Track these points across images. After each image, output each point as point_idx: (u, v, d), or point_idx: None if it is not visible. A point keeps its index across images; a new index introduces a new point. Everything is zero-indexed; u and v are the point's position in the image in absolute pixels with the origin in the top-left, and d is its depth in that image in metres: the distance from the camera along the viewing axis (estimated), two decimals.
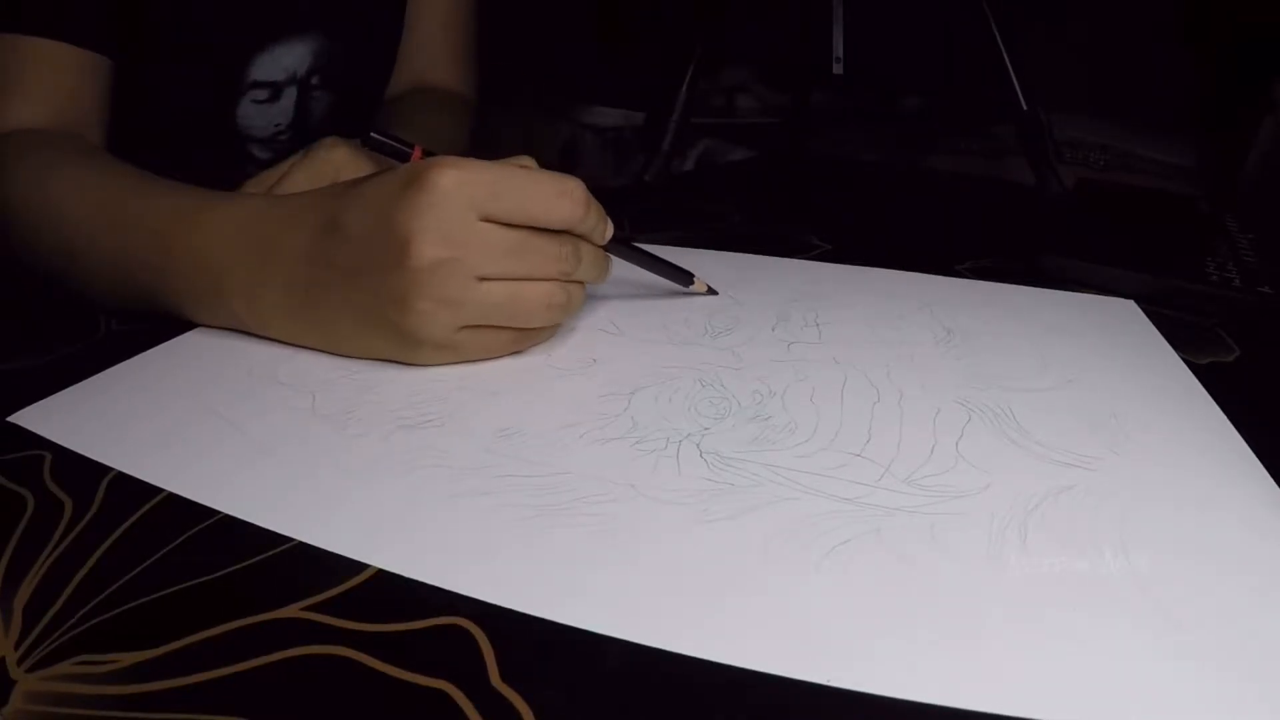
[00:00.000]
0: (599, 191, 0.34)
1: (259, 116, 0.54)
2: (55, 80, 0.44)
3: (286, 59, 0.53)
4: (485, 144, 0.54)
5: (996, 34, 0.68)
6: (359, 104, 0.60)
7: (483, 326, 0.32)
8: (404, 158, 0.32)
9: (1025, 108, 0.69)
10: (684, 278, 0.40)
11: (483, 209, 0.30)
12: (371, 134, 0.32)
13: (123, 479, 0.27)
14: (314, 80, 0.55)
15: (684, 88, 0.73)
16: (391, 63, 0.62)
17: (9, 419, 0.30)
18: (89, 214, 0.38)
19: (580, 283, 0.34)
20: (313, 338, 0.35)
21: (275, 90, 0.54)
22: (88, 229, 0.38)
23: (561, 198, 0.31)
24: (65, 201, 0.39)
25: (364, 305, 0.32)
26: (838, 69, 0.72)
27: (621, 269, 0.38)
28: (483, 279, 0.31)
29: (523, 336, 0.34)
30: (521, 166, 0.32)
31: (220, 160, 0.54)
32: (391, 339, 0.32)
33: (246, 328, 0.35)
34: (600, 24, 1.09)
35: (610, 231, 0.34)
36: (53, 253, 0.39)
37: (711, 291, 0.42)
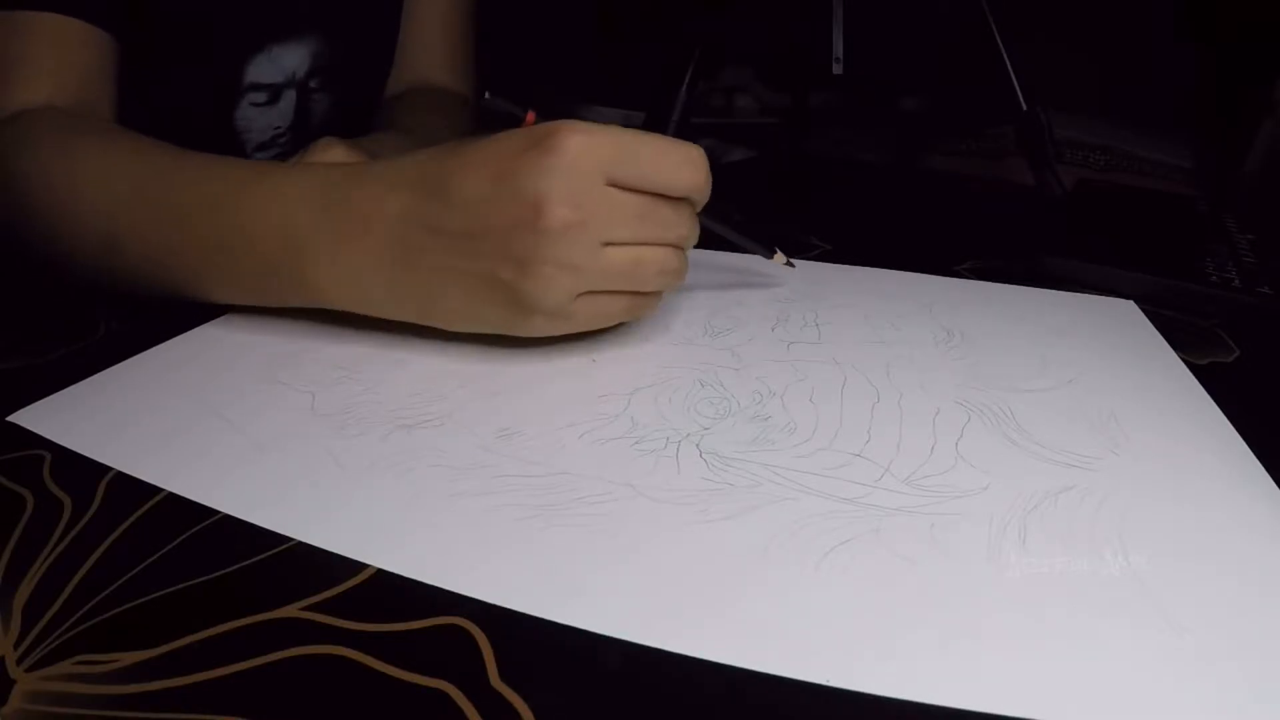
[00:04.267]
0: None
1: (258, 119, 0.54)
2: (66, 57, 0.43)
3: (285, 61, 0.53)
4: None
5: (996, 34, 0.68)
6: (359, 106, 0.60)
7: (599, 293, 0.32)
8: (517, 121, 0.32)
9: (1025, 108, 0.69)
10: (767, 249, 0.39)
11: (610, 173, 0.29)
12: (487, 94, 0.32)
13: (122, 479, 0.27)
14: (313, 83, 0.55)
15: (684, 88, 0.73)
16: (390, 64, 0.62)
17: (9, 419, 0.30)
18: (126, 191, 0.36)
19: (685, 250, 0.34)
20: (410, 308, 0.33)
21: (274, 93, 0.54)
22: (126, 207, 0.36)
23: (686, 165, 0.31)
24: (99, 179, 0.37)
25: (475, 270, 0.30)
26: (838, 69, 0.72)
27: None
28: (607, 244, 0.30)
29: (636, 304, 0.33)
30: (644, 132, 0.31)
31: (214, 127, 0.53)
32: (503, 306, 0.31)
33: (329, 302, 0.34)
34: (600, 24, 1.09)
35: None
36: (80, 235, 0.37)
37: (789, 264, 0.40)
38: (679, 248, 0.33)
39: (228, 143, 0.53)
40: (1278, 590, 0.23)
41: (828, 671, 0.20)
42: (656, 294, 0.34)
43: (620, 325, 0.38)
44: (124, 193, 0.36)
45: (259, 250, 0.33)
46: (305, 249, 0.32)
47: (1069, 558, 0.23)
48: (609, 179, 0.29)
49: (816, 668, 0.20)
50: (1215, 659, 0.20)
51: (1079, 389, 0.33)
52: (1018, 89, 0.68)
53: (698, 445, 0.29)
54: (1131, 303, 0.43)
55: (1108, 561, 0.23)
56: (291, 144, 0.56)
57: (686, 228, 0.32)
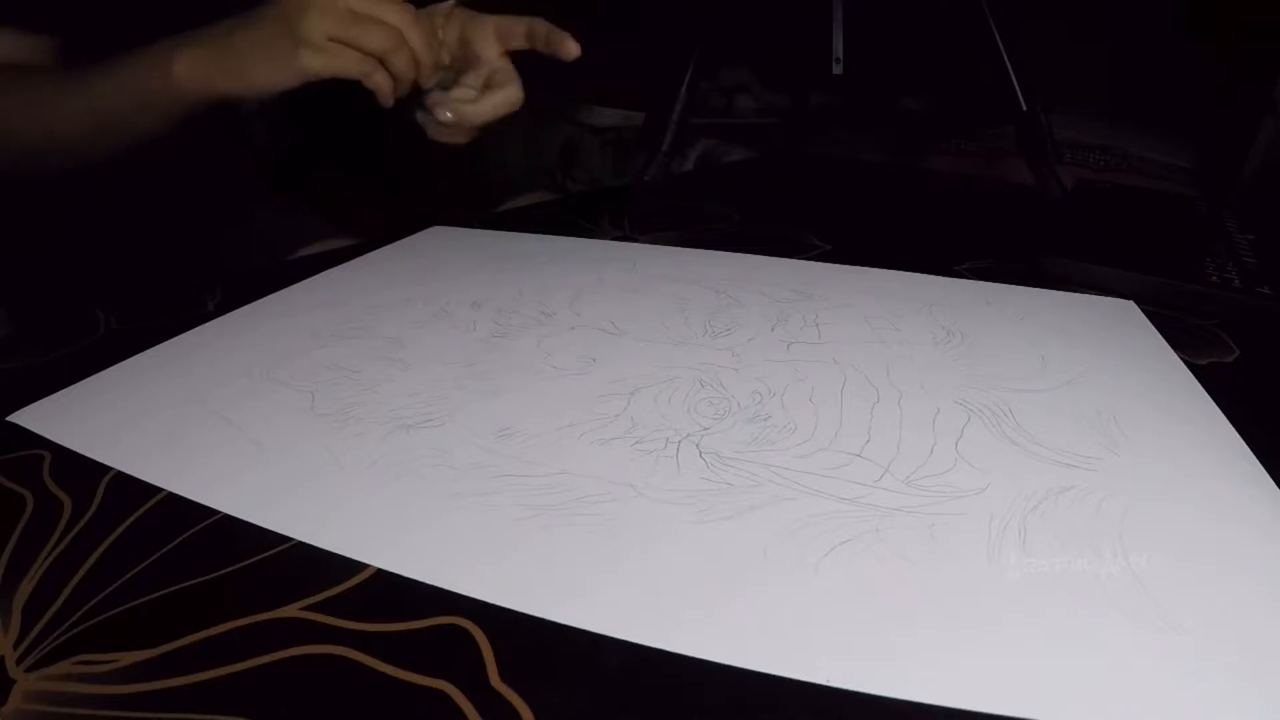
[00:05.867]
0: (599, 191, 0.34)
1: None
2: None
3: None
4: (485, 144, 0.54)
5: (996, 34, 0.68)
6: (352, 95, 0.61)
7: (344, 44, 0.43)
8: None
9: (1025, 108, 0.69)
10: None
11: None
12: None
13: (122, 479, 0.27)
14: None
15: (684, 88, 0.73)
16: None
17: (9, 419, 0.30)
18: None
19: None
20: (218, 69, 0.44)
21: None
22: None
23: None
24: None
25: (269, 24, 0.43)
26: (838, 69, 0.72)
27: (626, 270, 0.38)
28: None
29: (366, 62, 0.44)
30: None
31: (214, 126, 0.55)
32: (281, 40, 0.43)
33: (170, 76, 0.43)
34: (600, 24, 1.09)
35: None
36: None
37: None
38: (387, 32, 0.44)
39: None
40: (1278, 590, 0.23)
41: (828, 671, 0.20)
42: (378, 66, 0.44)
43: (619, 326, 0.38)
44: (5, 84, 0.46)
45: (133, 83, 0.44)
46: (168, 63, 0.43)
47: (1069, 558, 0.23)
48: None
49: (815, 668, 0.20)
50: (1215, 659, 0.20)
51: (1079, 389, 0.33)
52: (1018, 89, 0.68)
53: (698, 445, 0.29)
54: (1131, 303, 0.43)
55: (1107, 561, 0.23)
56: (284, 111, 0.57)
57: (402, 14, 0.44)
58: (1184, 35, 0.82)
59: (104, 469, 0.27)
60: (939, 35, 0.83)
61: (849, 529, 0.24)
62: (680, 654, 0.20)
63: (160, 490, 0.26)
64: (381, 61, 0.45)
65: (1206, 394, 0.33)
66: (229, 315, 0.39)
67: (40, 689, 0.19)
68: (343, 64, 0.44)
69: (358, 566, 0.23)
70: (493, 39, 0.52)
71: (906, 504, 0.26)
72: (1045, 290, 0.45)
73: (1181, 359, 0.37)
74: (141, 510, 0.25)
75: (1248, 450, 0.29)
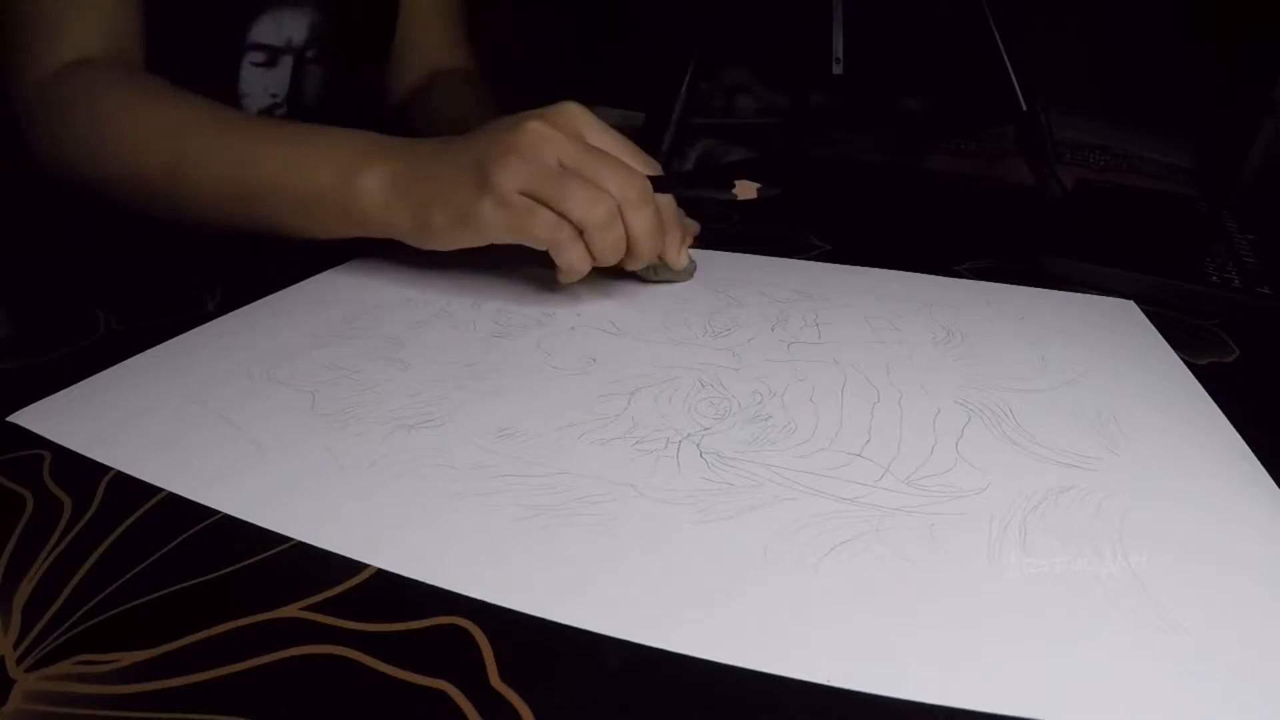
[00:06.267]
0: None
1: (257, 81, 0.55)
2: (108, 13, 0.46)
3: (285, 25, 0.54)
4: None
5: (996, 34, 0.68)
6: (353, 81, 0.61)
7: (537, 201, 0.36)
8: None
9: (1025, 108, 0.69)
10: (724, 187, 0.40)
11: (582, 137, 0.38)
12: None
13: (122, 479, 0.27)
14: (309, 53, 0.56)
15: (684, 88, 0.73)
16: (385, 45, 0.63)
17: (9, 419, 0.30)
18: (193, 116, 0.43)
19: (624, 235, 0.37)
20: (408, 211, 0.38)
21: (272, 55, 0.54)
22: (194, 128, 0.42)
23: (636, 156, 0.39)
24: (168, 105, 0.43)
25: (463, 162, 0.37)
26: (838, 69, 0.72)
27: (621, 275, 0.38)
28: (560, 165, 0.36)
29: (556, 229, 0.36)
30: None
31: None
32: (471, 186, 0.36)
33: (360, 219, 0.40)
34: (600, 24, 1.09)
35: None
36: (147, 160, 0.42)
37: (769, 190, 0.40)
38: (611, 200, 0.36)
39: (228, 103, 0.54)
40: (1278, 590, 0.23)
41: (828, 671, 0.20)
42: (575, 237, 0.37)
43: (619, 326, 0.38)
44: (190, 117, 0.43)
45: (313, 173, 0.40)
46: (353, 168, 0.39)
47: (1069, 557, 0.23)
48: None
49: (815, 668, 0.20)
50: (1215, 659, 0.20)
51: (1079, 389, 0.33)
52: (1018, 89, 0.68)
53: (698, 445, 0.29)
54: (1131, 303, 0.43)
55: (1107, 561, 0.23)
56: (287, 116, 0.57)
57: (629, 186, 0.36)
58: (1184, 35, 0.82)
59: (104, 469, 0.27)
60: (939, 35, 0.83)
61: (849, 529, 0.24)
62: (680, 654, 0.20)
63: (160, 490, 0.26)
64: (582, 233, 0.36)
65: (1206, 394, 0.33)
66: (229, 315, 0.39)
67: (40, 689, 0.19)
68: (527, 226, 0.36)
69: (358, 566, 0.23)
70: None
71: (907, 504, 0.26)
72: (1045, 290, 0.45)
73: (1181, 359, 0.37)
74: (141, 510, 0.25)
75: (1248, 450, 0.29)
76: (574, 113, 0.38)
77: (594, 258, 0.37)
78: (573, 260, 0.37)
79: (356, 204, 0.39)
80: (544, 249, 0.37)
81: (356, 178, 0.39)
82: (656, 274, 0.43)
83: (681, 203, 0.42)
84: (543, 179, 0.36)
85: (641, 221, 0.37)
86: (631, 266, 0.39)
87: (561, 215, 0.36)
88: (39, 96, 0.45)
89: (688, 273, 0.44)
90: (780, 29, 0.89)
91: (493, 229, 0.36)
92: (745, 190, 0.39)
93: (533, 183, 0.36)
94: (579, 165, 0.36)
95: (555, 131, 0.36)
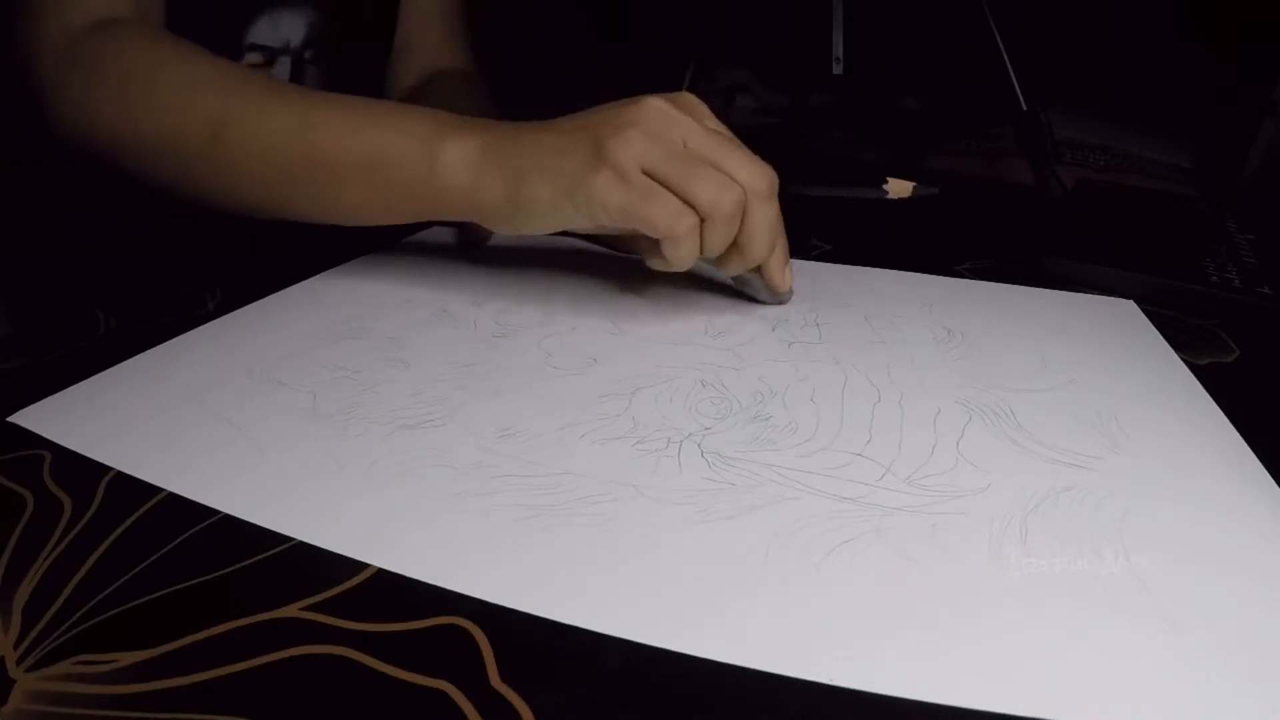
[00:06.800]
0: None
1: None
2: None
3: (283, 25, 0.54)
4: None
5: (996, 34, 0.68)
6: (351, 82, 0.61)
7: (658, 183, 0.33)
8: None
9: (1025, 108, 0.69)
10: (875, 185, 0.38)
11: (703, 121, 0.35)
12: None
13: (122, 479, 0.27)
14: (307, 54, 0.56)
15: (684, 88, 0.73)
16: (384, 45, 0.63)
17: (9, 419, 0.30)
18: (238, 78, 0.39)
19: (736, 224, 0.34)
20: (503, 183, 0.35)
21: (270, 56, 0.54)
22: (240, 86, 0.38)
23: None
24: (210, 66, 0.40)
25: (572, 136, 0.34)
26: (838, 69, 0.72)
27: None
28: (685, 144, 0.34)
29: (677, 216, 0.33)
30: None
31: None
32: (583, 157, 0.33)
33: (438, 188, 0.36)
34: (600, 24, 1.09)
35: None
36: (188, 119, 0.38)
37: (926, 189, 0.38)
38: (740, 190, 0.33)
39: None
40: (1278, 590, 0.23)
41: (828, 671, 0.20)
42: (696, 229, 0.34)
43: (620, 326, 0.38)
44: (239, 75, 0.39)
45: (386, 141, 0.37)
46: (435, 136, 0.36)
47: (1069, 557, 0.23)
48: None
49: (817, 668, 0.20)
50: (1215, 659, 0.20)
51: (1079, 389, 0.33)
52: (1018, 89, 0.68)
53: (699, 445, 0.29)
54: (1131, 303, 0.43)
55: (1108, 561, 0.23)
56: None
57: (760, 177, 0.34)
58: (1184, 35, 0.82)
59: (104, 469, 0.27)
60: (939, 35, 0.83)
61: (850, 528, 0.24)
62: (681, 654, 0.20)
63: (160, 490, 0.26)
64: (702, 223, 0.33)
65: (1206, 394, 0.33)
66: (229, 315, 0.39)
67: (40, 689, 0.19)
68: (644, 210, 0.33)
69: (358, 566, 0.23)
70: None
71: (908, 503, 0.26)
72: (1045, 290, 0.45)
73: (1181, 359, 0.37)
74: (141, 510, 0.25)
75: (1248, 450, 0.29)
76: (694, 99, 0.35)
77: (702, 250, 0.34)
78: (685, 254, 0.34)
79: (438, 174, 0.36)
80: (657, 236, 0.33)
81: (440, 146, 0.36)
82: (756, 292, 0.40)
83: (820, 203, 0.41)
84: (669, 158, 0.33)
85: (764, 218, 0.34)
86: (733, 270, 0.37)
87: (685, 201, 0.33)
88: (65, 54, 0.41)
89: (786, 295, 0.41)
90: (780, 29, 0.89)
91: (605, 206, 0.33)
92: (899, 189, 0.37)
93: (658, 160, 0.33)
94: (707, 149, 0.33)
95: (680, 112, 0.34)
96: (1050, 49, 0.78)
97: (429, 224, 0.55)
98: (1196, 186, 0.76)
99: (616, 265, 0.46)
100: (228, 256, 0.45)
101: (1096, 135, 0.84)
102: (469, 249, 0.49)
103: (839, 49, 0.71)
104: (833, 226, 0.55)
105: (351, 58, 0.60)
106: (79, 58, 0.41)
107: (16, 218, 0.56)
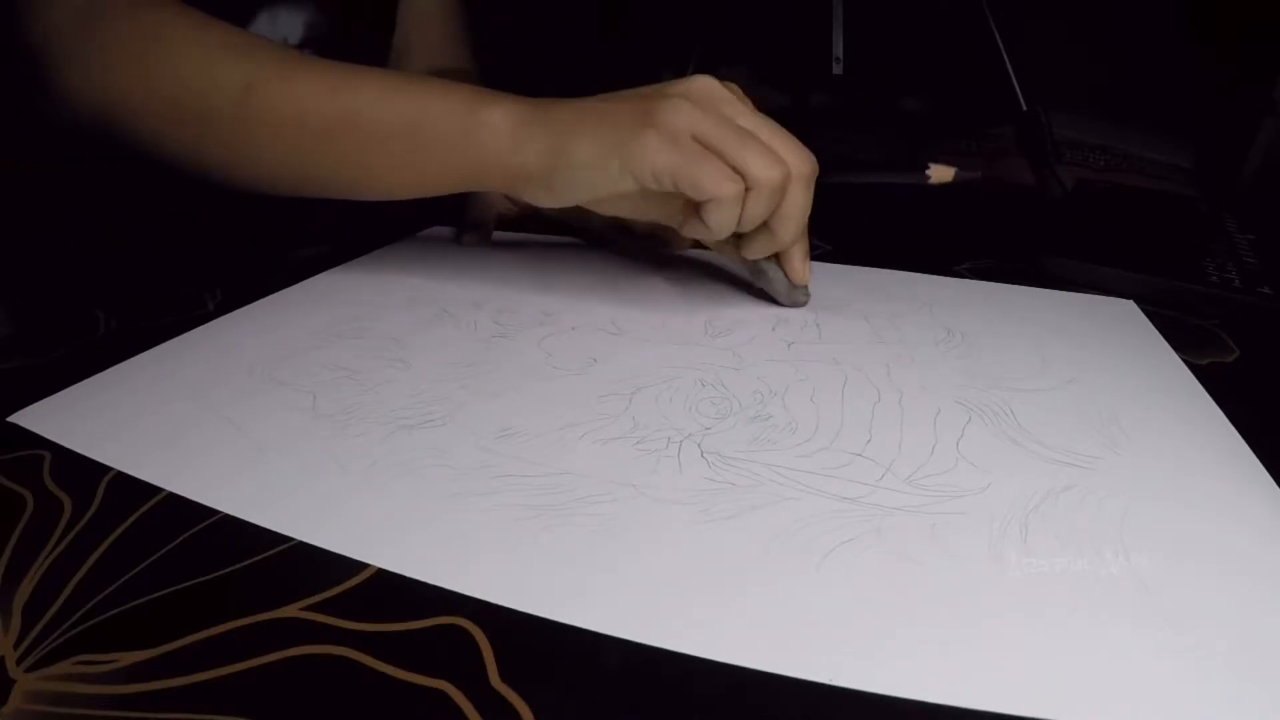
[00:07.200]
0: None
1: None
2: None
3: (281, 23, 0.53)
4: None
5: (996, 34, 0.68)
6: None
7: (704, 150, 0.33)
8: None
9: (1025, 108, 0.69)
10: (919, 171, 0.38)
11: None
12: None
13: (122, 479, 0.27)
14: (306, 53, 0.55)
15: None
16: (383, 44, 0.63)
17: (9, 419, 0.30)
18: (268, 45, 0.38)
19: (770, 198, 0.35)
20: (545, 142, 0.35)
21: None
22: (267, 52, 0.38)
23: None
24: (235, 31, 0.38)
25: (618, 104, 0.35)
26: (838, 69, 0.72)
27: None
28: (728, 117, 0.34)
29: (721, 181, 0.33)
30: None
31: None
32: (630, 119, 0.34)
33: (478, 154, 0.36)
34: (600, 24, 1.09)
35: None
36: (217, 82, 0.37)
37: (967, 173, 0.39)
38: (787, 167, 0.34)
39: None
40: (1278, 590, 0.23)
41: (828, 671, 0.20)
42: (740, 196, 0.34)
43: (619, 326, 0.38)
44: (264, 40, 0.38)
45: (423, 105, 0.36)
46: (474, 101, 0.36)
47: (1070, 557, 0.23)
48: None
49: (817, 668, 0.20)
50: (1215, 659, 0.20)
51: (1079, 389, 0.33)
52: (1018, 89, 0.68)
53: (699, 445, 0.29)
54: (1131, 303, 0.43)
55: (1108, 561, 0.23)
56: None
57: (803, 159, 0.35)
58: (1184, 35, 0.82)
59: (104, 469, 0.27)
60: (939, 35, 0.83)
61: (851, 528, 0.24)
62: (681, 654, 0.20)
63: (160, 490, 0.26)
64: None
65: (1206, 394, 0.33)
66: (229, 315, 0.39)
67: (40, 689, 0.19)
68: (693, 172, 0.33)
69: (358, 566, 0.23)
70: None
71: (908, 503, 0.26)
72: (1045, 290, 0.45)
73: (1181, 359, 0.37)
74: (141, 510, 0.25)
75: (1248, 450, 0.29)
76: (738, 89, 0.36)
77: (741, 220, 0.35)
78: (728, 219, 0.34)
79: (476, 136, 0.35)
80: (703, 199, 0.34)
81: (482, 107, 0.36)
82: (773, 289, 0.40)
83: (861, 189, 0.41)
84: (720, 126, 0.34)
85: (801, 201, 0.35)
86: (757, 252, 0.37)
87: (734, 168, 0.33)
88: (78, 20, 0.39)
89: (802, 294, 0.41)
90: (780, 29, 0.89)
91: (654, 165, 0.33)
92: (940, 174, 0.37)
93: (709, 128, 0.33)
94: (754, 126, 0.34)
95: (727, 91, 0.35)
96: (1050, 49, 0.78)
97: (428, 224, 0.55)
98: (1196, 186, 0.76)
99: (617, 265, 0.46)
100: (227, 255, 0.45)
101: (1096, 135, 0.84)
102: (469, 248, 0.49)
103: (839, 49, 0.71)
104: (833, 226, 0.55)
105: (350, 56, 0.60)
106: (94, 19, 0.39)
107: (16, 217, 0.56)
